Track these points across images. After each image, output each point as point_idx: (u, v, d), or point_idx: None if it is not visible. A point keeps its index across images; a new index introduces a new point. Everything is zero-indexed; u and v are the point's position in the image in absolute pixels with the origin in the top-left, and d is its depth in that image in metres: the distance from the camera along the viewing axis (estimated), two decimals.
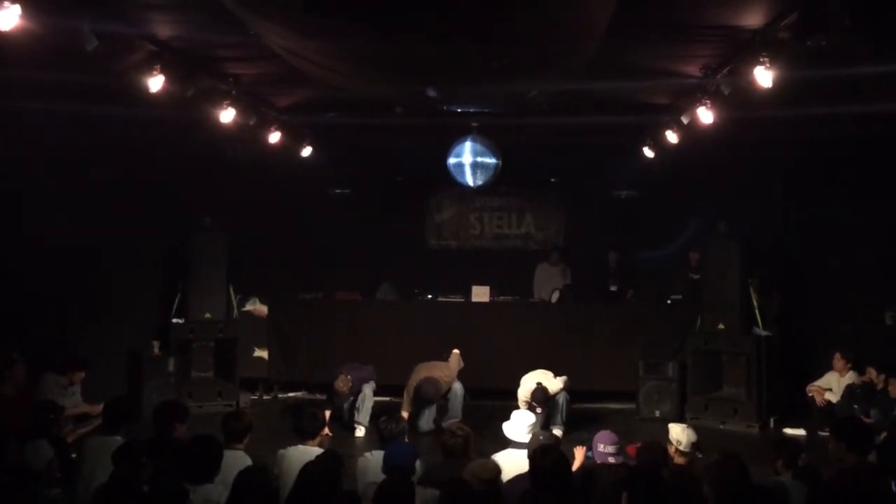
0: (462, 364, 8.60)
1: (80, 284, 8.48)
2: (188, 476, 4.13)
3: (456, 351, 8.68)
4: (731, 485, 4.10)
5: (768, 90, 6.01)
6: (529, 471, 4.40)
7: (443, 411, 8.47)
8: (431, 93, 7.58)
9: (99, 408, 6.21)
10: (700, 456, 5.45)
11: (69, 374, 7.52)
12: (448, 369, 8.45)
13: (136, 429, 5.42)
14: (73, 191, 8.28)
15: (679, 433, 5.50)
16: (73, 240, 8.22)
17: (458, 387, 8.46)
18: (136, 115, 7.25)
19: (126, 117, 7.39)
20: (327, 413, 7.94)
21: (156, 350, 9.33)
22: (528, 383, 7.92)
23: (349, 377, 8.07)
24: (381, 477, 4.43)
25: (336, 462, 4.27)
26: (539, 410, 7.64)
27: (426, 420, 8.34)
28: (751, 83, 6.08)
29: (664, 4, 5.46)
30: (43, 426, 5.35)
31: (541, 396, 7.73)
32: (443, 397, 8.43)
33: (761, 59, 5.81)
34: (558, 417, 8.17)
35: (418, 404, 8.30)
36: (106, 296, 8.81)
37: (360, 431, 8.17)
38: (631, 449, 5.40)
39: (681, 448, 5.42)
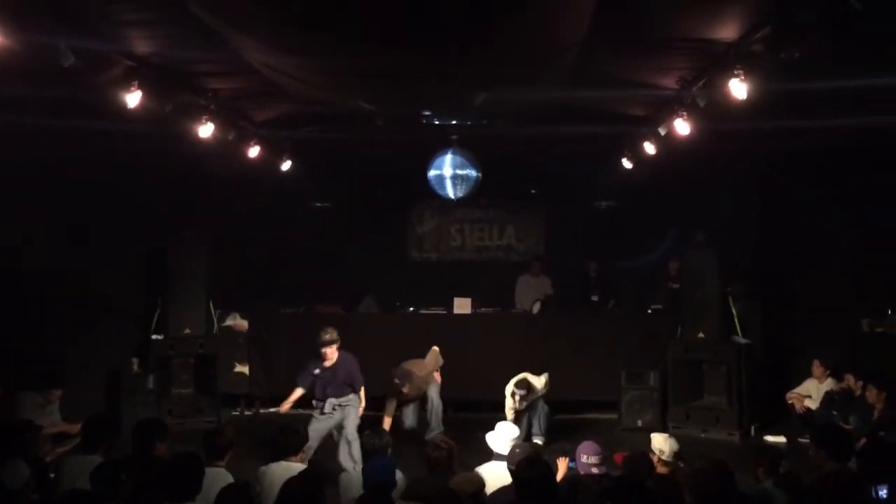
0: (441, 361, 8.52)
1: (58, 301, 8.39)
2: (169, 494, 4.09)
3: (435, 348, 8.60)
4: (712, 494, 4.13)
5: (743, 102, 6.09)
6: (514, 483, 4.40)
7: (424, 424, 8.44)
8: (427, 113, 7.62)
9: (78, 427, 6.14)
10: (682, 465, 5.50)
11: (46, 393, 7.43)
12: (424, 366, 8.38)
13: (115, 447, 5.36)
14: (51, 206, 8.21)
15: (662, 443, 5.54)
16: (51, 256, 8.15)
17: (434, 397, 8.39)
18: (116, 129, 7.20)
19: (105, 132, 7.33)
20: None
21: (135, 367, 9.23)
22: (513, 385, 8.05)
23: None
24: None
25: (317, 478, 4.25)
26: (518, 396, 7.76)
27: (409, 417, 8.32)
28: (726, 95, 6.16)
29: (640, 18, 5.51)
30: (20, 446, 5.27)
31: (525, 383, 7.91)
32: (420, 398, 8.37)
33: (736, 72, 5.89)
34: (537, 427, 8.19)
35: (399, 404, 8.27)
36: (84, 313, 8.71)
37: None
38: (618, 457, 5.43)
39: (663, 457, 5.46)
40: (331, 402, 7.13)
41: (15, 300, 7.87)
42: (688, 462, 5.55)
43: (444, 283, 10.86)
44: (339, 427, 7.17)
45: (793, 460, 5.82)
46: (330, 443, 7.94)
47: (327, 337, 7.18)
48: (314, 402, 7.24)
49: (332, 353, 7.22)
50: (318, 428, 7.04)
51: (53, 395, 7.50)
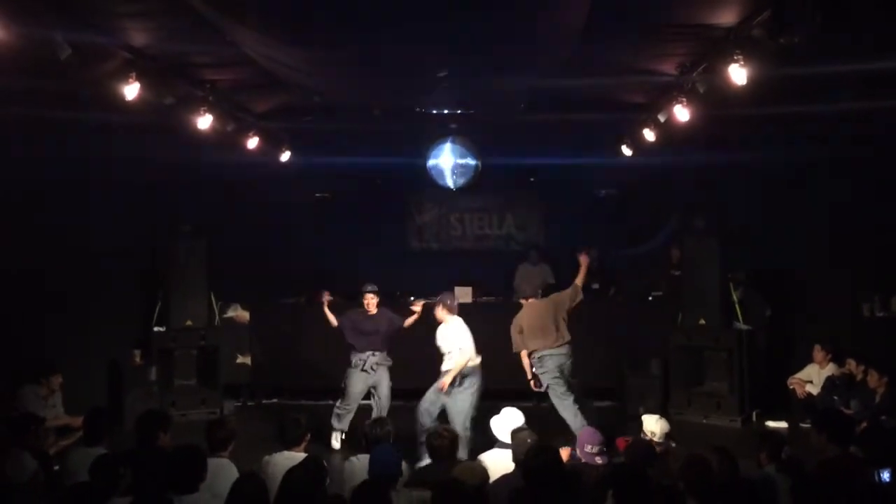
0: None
1: (60, 295, 8.39)
2: (172, 486, 4.10)
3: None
4: (704, 482, 4.15)
5: (743, 87, 6.06)
6: (523, 471, 4.40)
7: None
8: (428, 94, 7.56)
9: (81, 419, 6.17)
10: (674, 445, 5.57)
11: (45, 382, 7.44)
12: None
13: (118, 439, 5.38)
14: (51, 198, 8.20)
15: (652, 424, 5.62)
16: (50, 249, 8.14)
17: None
18: (115, 121, 7.20)
19: (104, 123, 7.34)
20: None
21: (137, 359, 9.26)
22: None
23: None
24: None
25: (319, 467, 4.26)
26: None
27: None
28: (726, 81, 6.14)
29: (639, 4, 5.49)
30: (24, 439, 5.29)
31: None
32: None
33: (735, 57, 5.86)
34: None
35: None
36: (86, 305, 8.72)
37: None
38: (620, 442, 5.46)
39: (655, 439, 5.52)
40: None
41: (15, 294, 7.87)
42: (685, 445, 5.60)
43: (445, 273, 10.86)
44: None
45: (794, 445, 5.84)
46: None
47: (370, 287, 7.90)
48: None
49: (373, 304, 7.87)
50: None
51: (54, 384, 7.50)
